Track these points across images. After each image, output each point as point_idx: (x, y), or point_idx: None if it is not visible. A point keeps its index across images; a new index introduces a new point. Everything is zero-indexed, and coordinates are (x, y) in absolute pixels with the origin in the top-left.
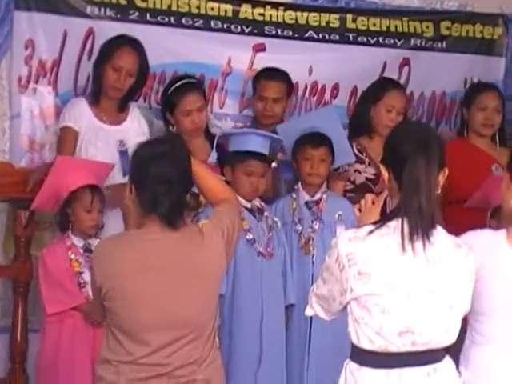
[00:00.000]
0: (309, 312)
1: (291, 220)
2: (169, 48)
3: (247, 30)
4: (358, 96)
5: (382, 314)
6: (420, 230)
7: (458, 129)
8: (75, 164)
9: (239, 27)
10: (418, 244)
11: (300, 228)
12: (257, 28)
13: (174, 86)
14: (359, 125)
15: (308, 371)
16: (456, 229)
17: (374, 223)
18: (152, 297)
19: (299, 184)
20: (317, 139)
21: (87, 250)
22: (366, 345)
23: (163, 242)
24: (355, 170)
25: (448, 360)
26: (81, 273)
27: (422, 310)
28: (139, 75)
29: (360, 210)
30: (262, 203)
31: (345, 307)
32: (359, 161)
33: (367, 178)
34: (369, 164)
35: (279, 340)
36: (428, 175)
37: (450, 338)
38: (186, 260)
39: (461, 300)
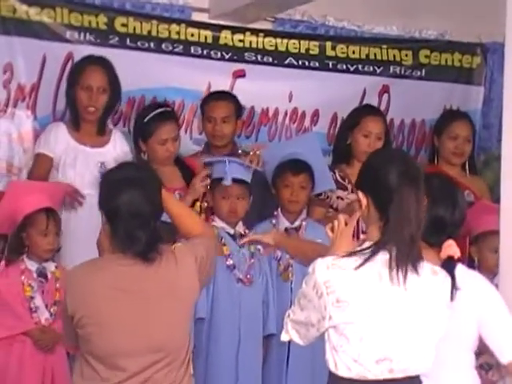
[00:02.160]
0: (284, 337)
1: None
2: (148, 73)
3: (227, 56)
4: (339, 123)
5: (359, 342)
6: (410, 259)
7: (429, 156)
8: (29, 187)
9: (219, 53)
10: (401, 272)
11: (279, 254)
12: (237, 54)
13: (150, 115)
14: (340, 152)
15: None
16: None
17: (356, 252)
18: (126, 322)
19: (279, 210)
20: (297, 166)
21: (41, 274)
22: (343, 372)
23: (136, 266)
24: (338, 197)
25: None
26: (32, 297)
27: (399, 338)
28: (111, 92)
29: (332, 230)
30: (247, 230)
31: (322, 334)
32: (342, 187)
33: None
34: (351, 191)
35: (255, 369)
36: (417, 206)
37: (427, 365)
38: (159, 282)
39: (437, 327)
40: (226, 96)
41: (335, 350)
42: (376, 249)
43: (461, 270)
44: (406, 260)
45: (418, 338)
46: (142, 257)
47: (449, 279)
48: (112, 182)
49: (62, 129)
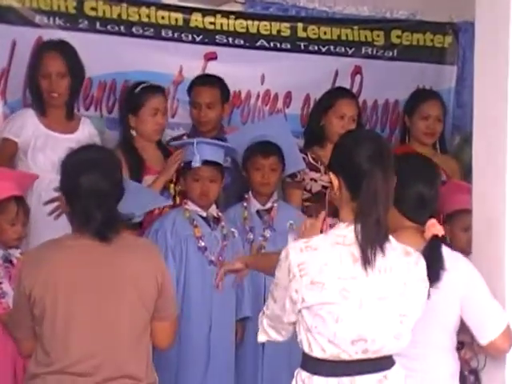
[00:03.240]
0: (261, 338)
1: (242, 229)
2: (119, 57)
3: (198, 39)
4: (311, 104)
5: (335, 323)
6: (376, 241)
7: (400, 136)
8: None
9: (190, 36)
10: (371, 253)
11: (252, 236)
12: (208, 37)
13: (141, 86)
14: (312, 134)
15: (262, 382)
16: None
17: (329, 233)
18: (83, 302)
19: (250, 193)
20: (267, 148)
21: (7, 260)
22: (317, 353)
23: (94, 246)
24: (311, 179)
25: (397, 367)
26: (0, 283)
27: (373, 318)
28: (72, 76)
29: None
30: (220, 213)
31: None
32: (314, 169)
33: (323, 186)
34: (324, 172)
35: (228, 352)
36: (386, 187)
37: (401, 345)
38: (118, 264)
39: (412, 307)
40: (212, 80)
41: (310, 331)
42: (348, 229)
43: (444, 250)
44: (373, 241)
45: (391, 318)
46: (99, 236)
47: (422, 260)
48: (71, 163)
49: (30, 114)
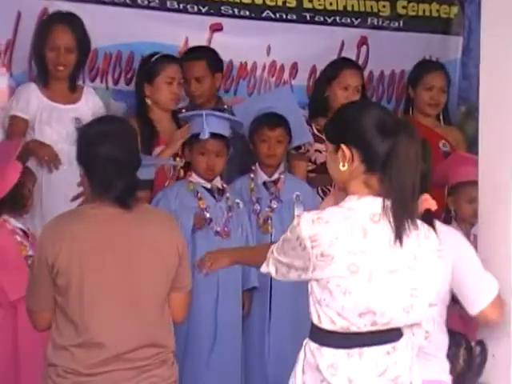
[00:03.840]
0: (264, 269)
1: (249, 200)
2: (124, 28)
3: (204, 10)
4: (318, 75)
5: (343, 296)
6: (407, 215)
7: (404, 107)
8: None
9: (195, 7)
10: (402, 228)
11: (258, 208)
12: (213, 8)
13: (158, 55)
14: (317, 105)
15: (269, 353)
16: None
17: (341, 205)
18: (107, 273)
19: (257, 165)
20: (273, 120)
21: (23, 231)
22: (327, 325)
23: (115, 213)
24: (316, 150)
25: (405, 339)
26: (29, 256)
27: (383, 291)
28: (80, 49)
29: None
30: (224, 185)
31: (301, 281)
32: (319, 140)
33: None
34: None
35: (235, 322)
36: (415, 158)
37: (411, 318)
38: (140, 232)
39: (424, 280)
40: (197, 55)
41: (319, 303)
42: (360, 202)
43: (436, 224)
44: (403, 216)
45: (401, 291)
46: (120, 203)
47: (432, 231)
48: (89, 135)
49: (33, 89)
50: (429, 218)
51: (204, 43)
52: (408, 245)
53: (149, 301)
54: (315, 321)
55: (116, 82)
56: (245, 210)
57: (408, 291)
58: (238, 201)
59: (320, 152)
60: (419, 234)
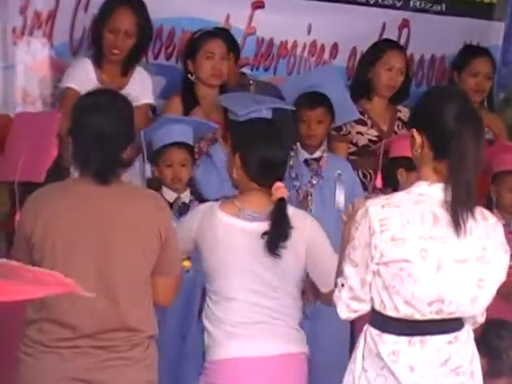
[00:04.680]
0: (344, 314)
1: (289, 177)
2: (166, 3)
3: None
4: (358, 57)
5: (413, 284)
6: (467, 204)
7: None
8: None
9: None
10: (462, 217)
11: (298, 184)
12: None
13: (202, 31)
14: (359, 87)
15: None
16: None
17: (410, 190)
18: (84, 247)
19: (298, 143)
20: (314, 99)
21: None
22: (390, 312)
23: (94, 199)
24: (357, 132)
25: (467, 328)
26: None
27: (451, 280)
28: (140, 35)
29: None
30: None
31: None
32: (361, 123)
33: (370, 140)
34: (371, 126)
35: None
36: (477, 149)
37: (476, 309)
38: (117, 216)
39: (491, 272)
40: (220, 34)
41: (386, 289)
42: (430, 189)
43: (291, 210)
44: (462, 204)
45: (469, 281)
46: (99, 178)
47: (500, 225)
48: (80, 105)
49: (89, 65)
50: (282, 206)
51: (245, 21)
52: (477, 235)
53: (123, 283)
54: (378, 307)
55: (156, 57)
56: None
57: (476, 282)
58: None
59: (362, 134)
60: (488, 225)
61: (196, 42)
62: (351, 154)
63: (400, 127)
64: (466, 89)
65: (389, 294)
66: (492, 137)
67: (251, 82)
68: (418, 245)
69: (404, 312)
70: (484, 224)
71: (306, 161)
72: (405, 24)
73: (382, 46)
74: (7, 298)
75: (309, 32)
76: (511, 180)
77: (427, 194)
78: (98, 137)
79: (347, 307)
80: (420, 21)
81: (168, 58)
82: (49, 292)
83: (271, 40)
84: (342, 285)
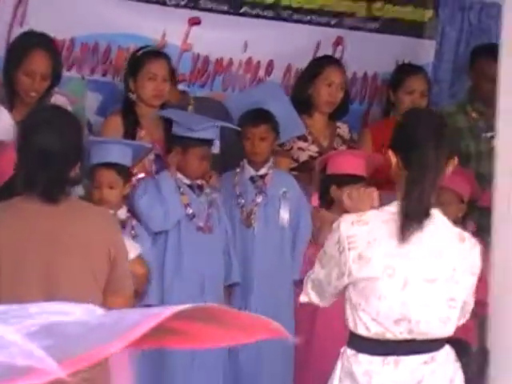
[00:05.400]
0: (303, 299)
1: (234, 194)
2: (103, 18)
3: (182, 3)
4: (293, 74)
5: (378, 300)
6: (416, 218)
7: (384, 111)
8: None
9: (174, 0)
10: (418, 233)
11: (242, 201)
12: (192, 1)
13: (144, 50)
14: (299, 103)
15: (248, 349)
16: None
17: (382, 209)
18: (27, 273)
19: (244, 160)
20: (257, 117)
21: None
22: (362, 331)
23: (41, 218)
24: (298, 148)
25: (447, 349)
26: None
27: (419, 299)
28: (54, 75)
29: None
30: (203, 181)
31: (338, 293)
32: (302, 138)
33: (310, 156)
34: (312, 142)
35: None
36: (436, 163)
37: (448, 330)
38: (66, 228)
39: (461, 293)
40: (163, 55)
41: (355, 308)
42: (399, 207)
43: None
44: (411, 215)
45: (439, 301)
46: (45, 197)
47: (478, 247)
48: (26, 123)
49: (4, 113)
50: None
51: (182, 37)
52: (448, 255)
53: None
54: (351, 326)
55: (92, 73)
56: (223, 206)
57: (446, 302)
58: (215, 195)
59: (303, 150)
60: (464, 248)
61: (139, 61)
62: (292, 169)
63: (339, 144)
64: (402, 106)
65: (357, 313)
66: None
67: (191, 101)
68: (383, 262)
69: (375, 331)
70: (460, 246)
71: (251, 178)
72: (339, 41)
73: (322, 62)
74: (211, 343)
75: (245, 49)
76: None
77: (395, 212)
78: (44, 155)
79: (307, 295)
80: (354, 38)
81: (104, 74)
82: (256, 338)
83: (207, 57)
84: (309, 275)
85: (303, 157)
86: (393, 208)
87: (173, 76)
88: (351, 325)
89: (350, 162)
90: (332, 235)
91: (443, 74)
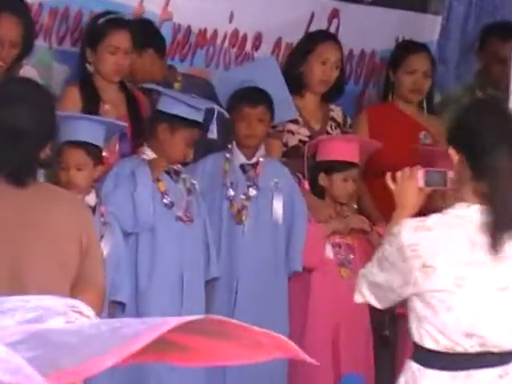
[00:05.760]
0: (358, 298)
1: (222, 183)
2: None
3: None
4: (283, 49)
5: (446, 312)
6: (505, 225)
7: (383, 92)
8: None
9: None
10: (499, 239)
11: (232, 194)
12: None
13: (105, 18)
14: (291, 82)
15: None
16: (379, 203)
17: (446, 212)
18: None
19: (234, 144)
20: (255, 96)
21: None
22: (429, 344)
23: (9, 201)
24: (288, 131)
25: None
26: None
27: (490, 310)
28: (24, 43)
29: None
30: (179, 166)
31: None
32: (293, 120)
33: (300, 140)
34: (303, 125)
35: (199, 311)
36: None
37: None
38: (33, 221)
39: None
40: (127, 25)
41: (420, 320)
42: (470, 210)
43: None
44: (502, 226)
45: (510, 309)
46: (13, 179)
47: None
48: None
49: None
50: None
51: (161, 4)
52: None
53: (35, 293)
54: (416, 339)
55: (60, 42)
56: (199, 193)
57: None
58: (194, 181)
59: (293, 133)
60: None
61: (100, 31)
62: (282, 155)
63: (333, 127)
64: (403, 88)
65: (423, 325)
66: (430, 141)
67: (178, 77)
68: (451, 272)
69: (444, 344)
70: None
71: (242, 166)
72: (335, 14)
73: (316, 38)
74: (215, 361)
75: (230, 20)
76: None
77: (465, 217)
78: (14, 133)
79: (362, 295)
80: (350, 11)
81: (74, 43)
82: (267, 357)
83: (189, 27)
84: (364, 275)
85: (293, 141)
86: (459, 211)
87: (161, 47)
88: (416, 336)
89: (342, 148)
90: (393, 240)
91: (449, 54)
